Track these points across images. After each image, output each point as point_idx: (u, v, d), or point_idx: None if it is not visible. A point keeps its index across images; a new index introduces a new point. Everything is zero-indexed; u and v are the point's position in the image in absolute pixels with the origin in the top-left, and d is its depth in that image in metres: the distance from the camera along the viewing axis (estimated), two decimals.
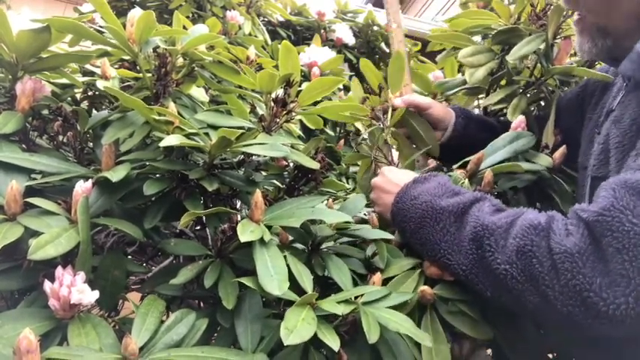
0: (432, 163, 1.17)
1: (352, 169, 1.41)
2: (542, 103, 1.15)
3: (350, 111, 0.98)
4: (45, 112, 0.78)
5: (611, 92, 0.87)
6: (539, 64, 1.07)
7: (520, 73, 1.11)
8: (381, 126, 0.99)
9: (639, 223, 0.57)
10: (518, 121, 0.98)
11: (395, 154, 1.05)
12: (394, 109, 0.99)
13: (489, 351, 0.80)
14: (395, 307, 0.64)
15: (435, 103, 1.03)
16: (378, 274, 0.70)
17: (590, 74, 0.94)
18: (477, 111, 1.40)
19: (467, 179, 0.85)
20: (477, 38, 1.20)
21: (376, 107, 1.00)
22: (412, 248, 0.78)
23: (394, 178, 0.83)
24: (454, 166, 0.94)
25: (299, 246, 0.76)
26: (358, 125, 1.06)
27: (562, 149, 0.93)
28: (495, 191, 0.91)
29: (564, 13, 1.01)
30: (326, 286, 0.72)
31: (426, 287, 0.70)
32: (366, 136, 1.01)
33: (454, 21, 1.18)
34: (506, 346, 0.71)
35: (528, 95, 1.10)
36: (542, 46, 1.01)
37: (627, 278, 0.56)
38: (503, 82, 1.16)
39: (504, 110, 1.15)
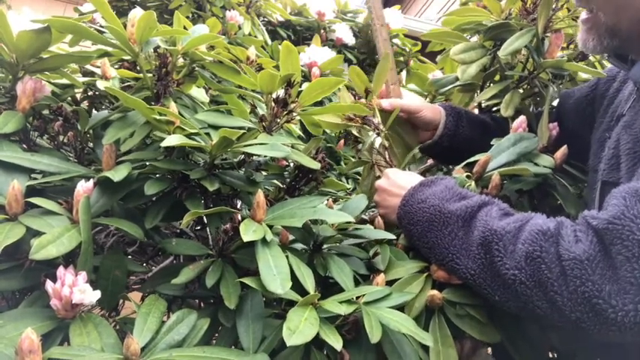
0: (429, 161, 1.17)
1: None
2: (539, 99, 1.15)
3: (351, 112, 0.98)
4: (45, 112, 0.78)
5: (623, 95, 0.86)
6: (531, 59, 1.07)
7: (513, 68, 1.12)
8: (376, 130, 0.99)
9: None
10: (518, 121, 0.98)
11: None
12: (382, 111, 0.99)
13: (490, 350, 0.80)
14: (399, 308, 0.64)
15: (424, 106, 1.03)
16: (382, 275, 0.70)
17: (581, 69, 0.94)
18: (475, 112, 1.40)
19: (473, 182, 0.85)
20: (475, 38, 1.20)
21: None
22: (419, 251, 0.78)
23: (399, 180, 0.83)
24: (456, 167, 0.94)
25: (300, 246, 0.76)
26: (354, 131, 1.06)
27: (563, 149, 0.93)
28: (500, 193, 0.91)
29: (553, 6, 1.02)
30: (327, 287, 0.72)
31: (435, 291, 0.70)
32: (366, 141, 1.01)
33: (448, 19, 1.18)
34: (510, 346, 0.71)
35: (521, 90, 1.10)
36: (533, 41, 1.01)
37: (636, 286, 0.57)
38: (497, 78, 1.16)
39: (498, 105, 1.15)
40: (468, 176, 0.86)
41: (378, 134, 0.99)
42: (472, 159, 0.89)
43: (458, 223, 0.72)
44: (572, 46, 1.16)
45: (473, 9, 1.16)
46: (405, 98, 1.03)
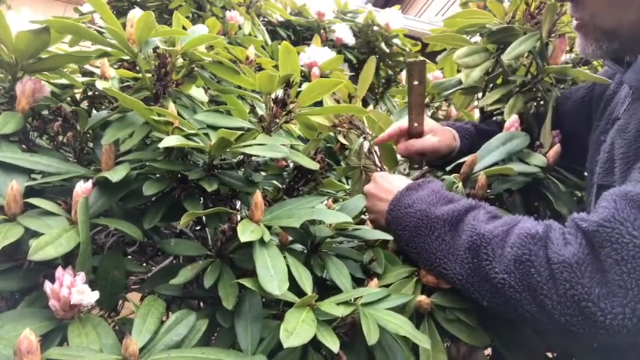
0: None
1: None
2: (541, 102, 1.15)
3: (350, 113, 0.98)
4: (45, 112, 0.77)
5: (619, 98, 0.86)
6: (535, 63, 1.07)
7: (516, 71, 1.11)
8: (363, 135, 1.00)
9: (639, 235, 0.57)
10: (511, 120, 0.98)
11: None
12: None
13: (488, 351, 0.80)
14: (394, 310, 0.64)
15: (440, 145, 0.98)
16: (375, 280, 0.70)
17: (585, 76, 0.94)
18: (477, 112, 1.40)
19: (460, 183, 0.85)
20: (477, 38, 1.20)
21: (354, 117, 1.01)
22: (408, 255, 0.78)
23: (387, 184, 0.83)
24: (447, 168, 0.94)
25: (299, 247, 0.76)
26: (341, 139, 1.06)
27: (556, 148, 0.92)
28: (490, 194, 0.91)
29: (558, 10, 1.01)
30: (324, 287, 0.72)
31: (422, 297, 0.70)
32: (354, 146, 1.01)
33: (450, 21, 1.18)
34: (504, 348, 0.71)
35: (523, 94, 1.10)
36: (537, 45, 1.01)
37: (625, 289, 0.57)
38: (499, 81, 1.16)
39: (501, 109, 1.15)
40: (456, 177, 0.86)
41: (365, 138, 0.99)
42: (462, 160, 0.89)
43: (445, 227, 0.71)
44: (575, 49, 1.16)
45: (477, 11, 1.16)
46: (424, 140, 0.98)
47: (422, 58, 0.93)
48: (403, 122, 0.99)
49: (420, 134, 0.98)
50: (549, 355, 0.83)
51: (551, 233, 0.63)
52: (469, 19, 1.13)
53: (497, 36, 1.08)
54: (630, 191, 0.61)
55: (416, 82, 0.92)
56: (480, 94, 1.26)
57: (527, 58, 1.10)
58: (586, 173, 0.92)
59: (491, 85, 1.17)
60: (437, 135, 0.99)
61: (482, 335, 0.69)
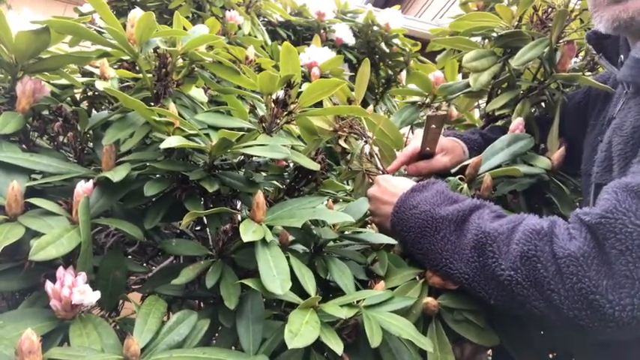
0: None
1: None
2: (543, 105, 1.16)
3: (351, 114, 0.98)
4: (45, 112, 0.77)
5: (614, 99, 0.86)
6: (542, 68, 1.07)
7: (521, 75, 1.11)
8: (364, 138, 1.00)
9: None
10: (516, 123, 0.98)
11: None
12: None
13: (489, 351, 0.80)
14: (398, 313, 0.64)
15: (452, 162, 0.99)
16: (382, 282, 0.70)
17: (593, 84, 0.94)
18: (477, 112, 1.40)
19: (465, 184, 0.85)
20: (477, 39, 1.20)
21: (355, 121, 1.01)
22: (414, 257, 0.78)
23: (391, 187, 0.83)
24: (452, 170, 0.94)
25: (300, 247, 0.75)
26: (342, 143, 1.07)
27: (560, 151, 0.93)
28: (494, 195, 0.91)
29: (567, 17, 1.01)
30: (327, 289, 0.72)
31: (429, 299, 0.70)
32: (355, 150, 1.02)
33: (457, 23, 1.18)
34: (511, 348, 0.71)
35: (530, 99, 1.10)
36: (546, 51, 1.01)
37: (632, 279, 0.57)
38: (504, 85, 1.16)
39: (506, 112, 1.15)
40: (461, 179, 0.86)
41: (366, 142, 1.00)
42: (466, 162, 0.89)
43: (450, 227, 0.71)
44: (581, 54, 1.16)
45: (484, 14, 1.16)
46: (434, 161, 0.99)
47: (442, 112, 0.96)
48: (414, 146, 0.99)
49: (431, 155, 1.00)
50: (549, 355, 0.83)
51: (556, 228, 0.63)
52: (476, 21, 1.13)
53: (504, 40, 1.08)
54: (630, 182, 0.61)
55: (434, 126, 0.94)
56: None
57: (534, 63, 1.10)
58: (582, 175, 0.92)
59: (496, 89, 1.17)
60: (448, 154, 1.00)
61: (490, 335, 0.70)
